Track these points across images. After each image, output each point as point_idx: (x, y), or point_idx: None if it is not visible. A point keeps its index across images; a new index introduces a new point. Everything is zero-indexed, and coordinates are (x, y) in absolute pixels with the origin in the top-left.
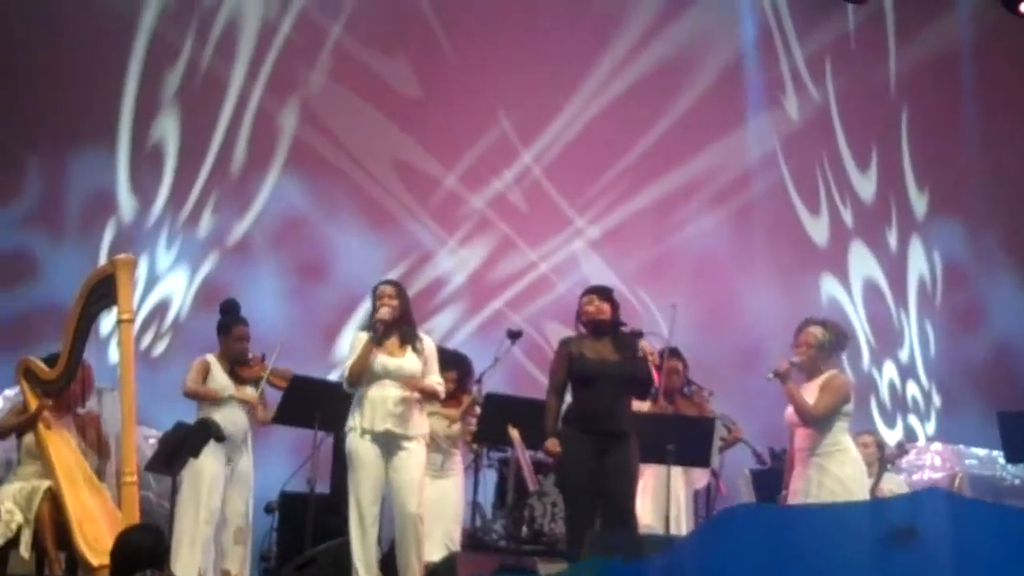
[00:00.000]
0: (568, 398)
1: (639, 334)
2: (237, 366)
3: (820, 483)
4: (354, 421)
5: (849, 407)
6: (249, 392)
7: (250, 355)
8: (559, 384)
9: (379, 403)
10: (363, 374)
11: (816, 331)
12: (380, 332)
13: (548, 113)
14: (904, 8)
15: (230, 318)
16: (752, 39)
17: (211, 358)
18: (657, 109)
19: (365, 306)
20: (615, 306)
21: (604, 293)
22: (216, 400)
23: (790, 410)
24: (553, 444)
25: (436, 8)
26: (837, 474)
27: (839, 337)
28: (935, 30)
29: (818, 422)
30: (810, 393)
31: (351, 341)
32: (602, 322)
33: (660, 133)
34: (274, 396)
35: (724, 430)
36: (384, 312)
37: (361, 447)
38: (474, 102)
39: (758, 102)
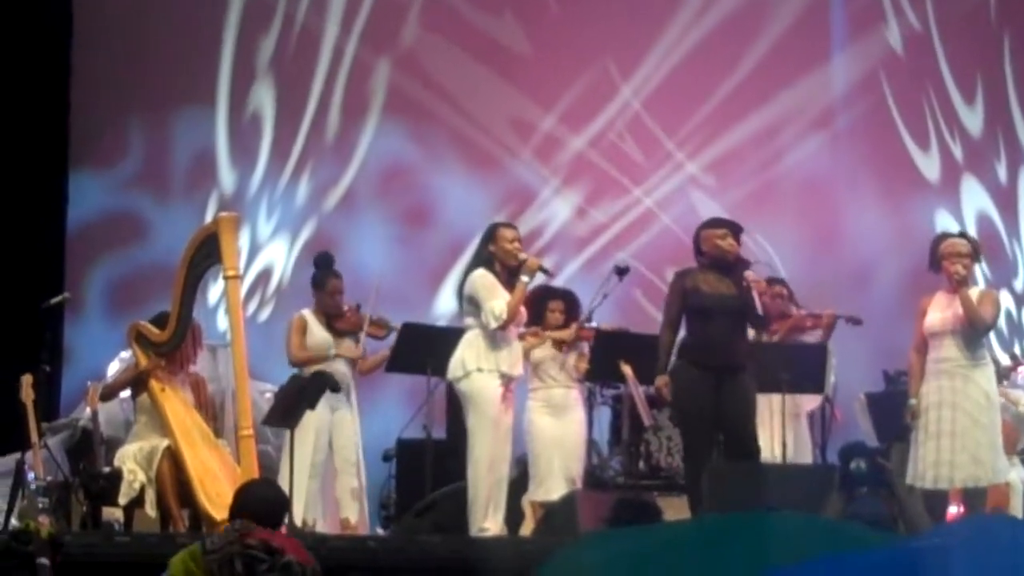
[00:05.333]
0: (683, 332)
1: (746, 264)
2: (334, 319)
3: (965, 393)
4: (490, 363)
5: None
6: (352, 347)
7: (345, 306)
8: (673, 318)
9: (516, 347)
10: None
11: (963, 242)
12: (531, 276)
13: (644, 51)
14: None
15: (322, 272)
16: None
17: (307, 313)
18: (750, 37)
19: (471, 249)
20: (739, 245)
21: (737, 230)
22: (317, 355)
23: (938, 317)
24: (663, 383)
25: None
26: (984, 386)
27: (977, 247)
28: None
29: (986, 331)
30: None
31: (478, 280)
32: (729, 258)
33: (755, 62)
34: (374, 346)
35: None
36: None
37: (497, 391)
38: (571, 42)
39: (851, 26)
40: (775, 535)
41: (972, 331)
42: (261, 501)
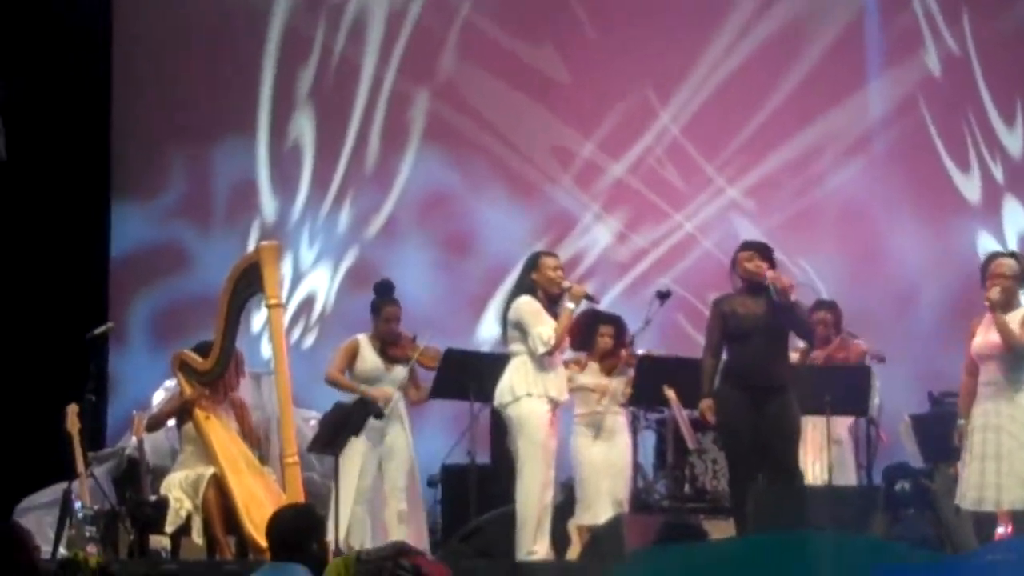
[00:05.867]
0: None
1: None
2: (387, 346)
3: (1012, 416)
4: (538, 388)
5: None
6: (381, 391)
7: (402, 335)
8: (714, 343)
9: (562, 373)
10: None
11: (1010, 262)
12: (577, 303)
13: (682, 77)
14: None
15: (380, 298)
16: None
17: (362, 338)
18: (787, 63)
19: (512, 276)
20: (773, 265)
21: (765, 251)
22: (367, 381)
23: (981, 340)
24: (708, 407)
25: None
26: None
27: None
28: None
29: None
30: (1014, 325)
31: (524, 307)
32: (760, 280)
33: (793, 87)
34: (426, 377)
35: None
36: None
37: (546, 415)
38: (609, 70)
39: (888, 51)
40: (821, 554)
41: (1012, 354)
42: (286, 526)
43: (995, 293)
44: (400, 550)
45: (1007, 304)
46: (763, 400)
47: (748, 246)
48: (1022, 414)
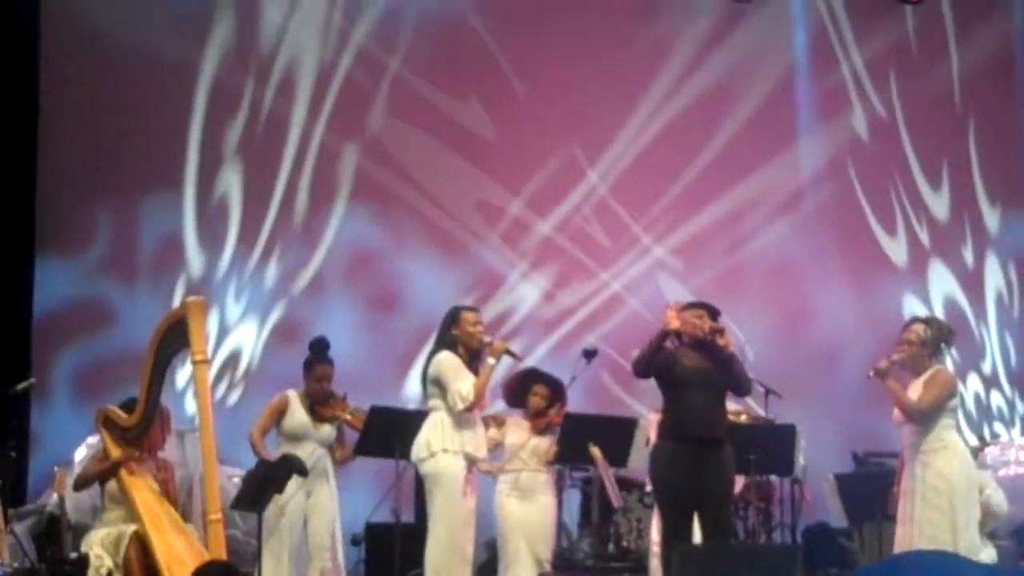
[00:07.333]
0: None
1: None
2: (317, 404)
3: (923, 479)
4: (454, 444)
5: (954, 402)
6: (330, 433)
7: (333, 393)
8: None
9: (480, 430)
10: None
11: (918, 328)
12: (497, 359)
13: (610, 136)
14: (960, 6)
15: (314, 356)
16: (805, 49)
17: (292, 394)
18: (716, 122)
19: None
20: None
21: (714, 311)
22: (293, 437)
23: (897, 410)
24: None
25: (492, 34)
26: (942, 470)
27: (942, 333)
28: (991, 27)
29: (922, 418)
30: (916, 390)
31: (444, 363)
32: (704, 338)
33: (722, 145)
34: (352, 437)
35: None
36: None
37: (461, 472)
38: (537, 127)
39: (817, 113)
40: None
41: (911, 419)
42: None
43: (895, 356)
44: None
45: (917, 369)
46: (702, 454)
47: (697, 304)
48: (933, 476)
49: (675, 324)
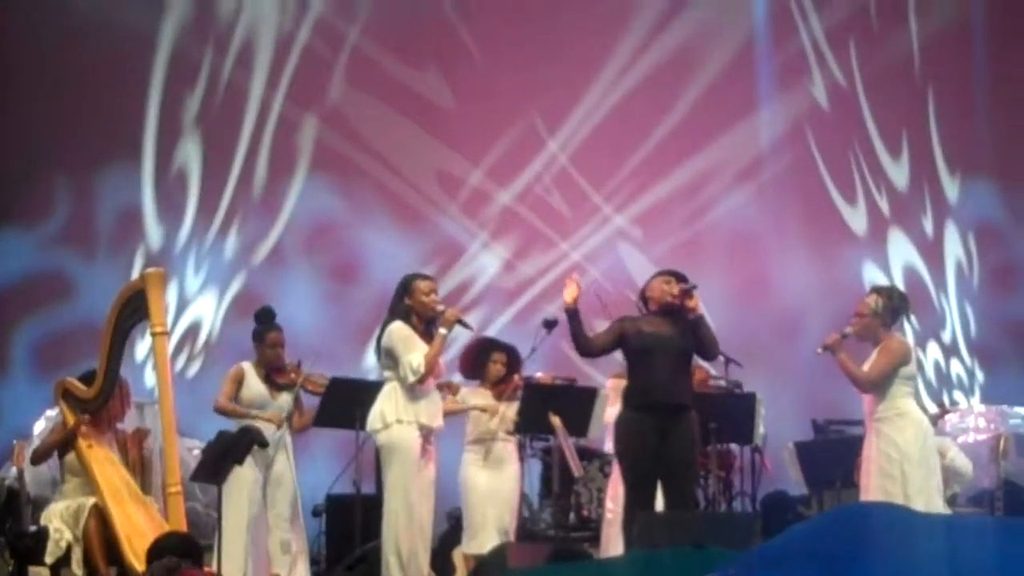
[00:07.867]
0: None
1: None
2: (272, 373)
3: (877, 447)
4: (408, 415)
5: (909, 370)
6: (273, 412)
7: (287, 361)
8: (600, 344)
9: (436, 399)
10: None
11: (870, 299)
12: (450, 328)
13: (570, 105)
14: None
15: (264, 325)
16: (764, 17)
17: (247, 365)
18: (676, 91)
19: None
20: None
21: (681, 279)
22: (251, 407)
23: None
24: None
25: (450, 3)
26: (894, 438)
27: (894, 302)
28: None
29: (873, 387)
30: (872, 361)
31: (395, 333)
32: (672, 301)
33: (682, 115)
34: (311, 403)
35: None
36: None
37: (416, 443)
38: (497, 96)
39: (776, 80)
40: (704, 568)
41: (863, 389)
42: (168, 554)
43: (831, 339)
44: (172, 567)
45: (873, 340)
46: (666, 422)
47: (667, 272)
48: (887, 444)
49: (571, 297)
